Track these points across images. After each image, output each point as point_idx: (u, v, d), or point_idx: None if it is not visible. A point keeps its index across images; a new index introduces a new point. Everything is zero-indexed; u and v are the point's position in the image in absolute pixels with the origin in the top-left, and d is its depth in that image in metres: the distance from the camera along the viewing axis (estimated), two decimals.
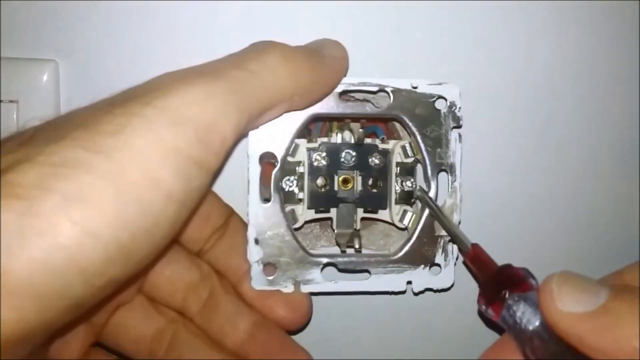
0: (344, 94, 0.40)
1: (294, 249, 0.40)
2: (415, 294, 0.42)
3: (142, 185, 0.28)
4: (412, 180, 0.42)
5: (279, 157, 0.40)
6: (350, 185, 0.42)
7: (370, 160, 0.42)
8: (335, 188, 0.42)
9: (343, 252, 0.43)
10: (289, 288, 0.40)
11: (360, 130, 0.41)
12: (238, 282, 0.41)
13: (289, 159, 0.41)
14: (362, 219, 0.43)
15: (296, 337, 0.42)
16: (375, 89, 0.40)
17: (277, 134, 0.39)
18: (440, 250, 0.41)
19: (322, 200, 0.42)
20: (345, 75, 0.39)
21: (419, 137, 0.41)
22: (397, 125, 0.43)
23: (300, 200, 0.42)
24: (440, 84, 0.41)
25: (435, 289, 0.42)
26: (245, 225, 0.41)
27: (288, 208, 0.41)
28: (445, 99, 0.41)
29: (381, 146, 0.42)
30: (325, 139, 0.42)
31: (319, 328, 0.45)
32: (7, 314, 0.25)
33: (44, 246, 0.26)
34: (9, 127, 0.41)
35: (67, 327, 0.36)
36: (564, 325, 0.27)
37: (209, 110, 0.31)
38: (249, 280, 0.40)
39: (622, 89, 0.47)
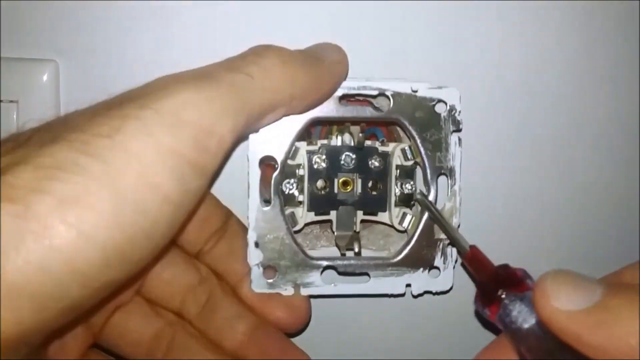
0: (343, 97, 0.40)
1: (294, 252, 0.40)
2: (415, 297, 0.42)
3: (138, 188, 0.28)
4: (412, 182, 0.42)
5: (279, 160, 0.39)
6: (350, 188, 0.42)
7: (370, 162, 0.42)
8: (335, 190, 0.42)
9: (343, 254, 0.42)
10: (288, 291, 0.40)
11: (361, 134, 0.41)
12: (237, 285, 0.41)
13: (289, 161, 0.40)
14: (362, 221, 0.43)
15: (295, 340, 0.42)
16: (375, 92, 0.40)
17: (277, 138, 0.39)
18: (439, 254, 0.41)
19: (322, 203, 0.42)
20: (345, 79, 0.39)
21: (418, 141, 0.41)
22: (397, 127, 0.43)
23: (300, 202, 0.42)
24: (440, 87, 0.41)
25: (434, 291, 0.42)
26: (244, 228, 0.41)
27: (288, 211, 0.41)
28: (445, 103, 0.41)
29: (381, 149, 0.42)
30: (325, 141, 0.42)
31: (318, 330, 0.45)
32: (4, 315, 0.25)
33: (40, 249, 0.25)
34: (9, 127, 0.41)
35: (65, 329, 0.36)
36: (559, 323, 0.27)
37: (206, 113, 0.30)
38: (248, 283, 0.40)
39: (622, 91, 0.47)
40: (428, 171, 0.41)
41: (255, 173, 0.39)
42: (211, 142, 0.31)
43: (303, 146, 0.41)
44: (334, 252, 0.44)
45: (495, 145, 0.46)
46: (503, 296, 0.31)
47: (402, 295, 0.41)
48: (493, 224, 0.47)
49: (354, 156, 0.42)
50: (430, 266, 0.41)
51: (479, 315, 0.43)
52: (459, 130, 0.41)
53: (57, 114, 0.41)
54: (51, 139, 0.28)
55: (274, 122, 0.37)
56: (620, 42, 0.46)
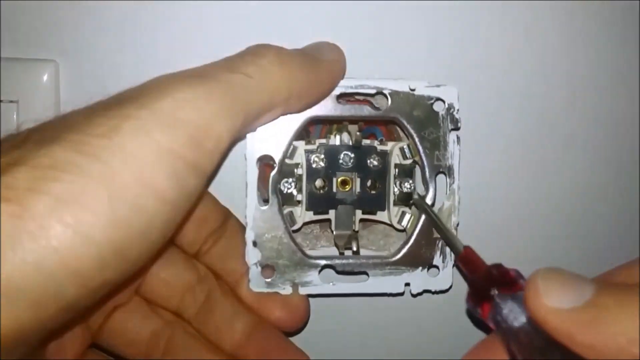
0: (341, 96, 0.40)
1: (292, 251, 0.40)
2: (414, 296, 0.41)
3: (135, 187, 0.28)
4: (411, 181, 0.42)
5: (277, 159, 0.39)
6: (348, 187, 0.42)
7: (368, 161, 0.42)
8: (334, 190, 0.42)
9: (341, 254, 0.42)
10: (287, 290, 0.40)
11: (358, 133, 0.41)
12: (236, 284, 0.41)
13: (287, 161, 0.40)
14: (361, 220, 0.43)
15: (294, 339, 0.42)
16: (373, 91, 0.40)
17: (275, 137, 0.39)
18: (438, 252, 0.41)
19: (320, 202, 0.42)
20: (342, 78, 0.39)
21: (417, 140, 0.40)
22: (396, 126, 0.42)
23: (299, 202, 0.42)
24: (438, 86, 0.40)
25: (433, 290, 0.41)
26: (242, 227, 0.41)
27: (286, 210, 0.41)
28: (444, 101, 0.40)
29: (380, 148, 0.42)
30: (323, 141, 0.42)
31: (317, 330, 0.45)
32: (2, 315, 0.25)
33: (37, 248, 0.25)
34: (9, 127, 0.41)
35: (63, 329, 0.36)
36: (549, 321, 0.27)
37: (203, 112, 0.30)
38: (246, 282, 0.40)
39: (622, 89, 0.46)
40: (427, 170, 0.41)
41: (253, 172, 0.39)
42: (208, 141, 0.30)
43: (301, 145, 0.41)
44: (334, 252, 0.44)
45: (494, 143, 0.46)
46: (495, 294, 0.31)
47: (401, 294, 0.41)
48: (491, 222, 0.46)
49: (352, 155, 0.42)
50: (429, 265, 0.41)
51: (470, 314, 0.43)
52: (457, 128, 0.41)
53: (57, 113, 0.41)
54: (48, 139, 0.28)
55: (271, 121, 0.37)
56: (620, 41, 0.46)
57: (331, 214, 0.42)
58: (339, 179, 0.42)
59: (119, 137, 0.28)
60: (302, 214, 0.42)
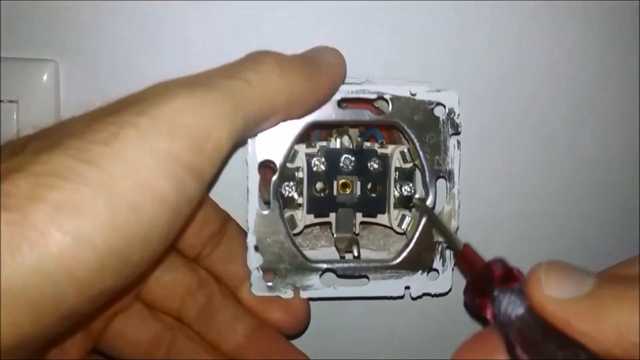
0: (342, 101, 0.39)
1: (294, 255, 0.40)
2: (413, 299, 0.41)
3: (135, 194, 0.27)
4: (411, 185, 0.42)
5: (278, 164, 0.39)
6: (349, 190, 0.42)
7: (369, 164, 0.42)
8: (335, 193, 0.42)
9: (342, 257, 0.42)
10: (288, 294, 0.40)
11: (359, 138, 0.40)
12: (236, 288, 0.40)
13: (288, 165, 0.40)
14: (361, 223, 0.43)
15: (295, 342, 0.42)
16: (374, 96, 0.40)
17: (276, 142, 0.39)
18: (438, 256, 0.41)
19: (321, 205, 0.42)
20: (343, 82, 0.39)
21: (417, 144, 0.40)
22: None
23: (300, 205, 0.41)
24: (439, 90, 0.40)
25: (433, 293, 0.41)
26: (241, 231, 0.41)
27: (287, 214, 0.40)
28: (444, 106, 0.40)
29: (380, 151, 0.42)
30: (324, 143, 0.42)
31: (318, 332, 0.45)
32: (2, 323, 0.25)
33: (37, 256, 0.25)
34: (9, 127, 0.41)
35: (64, 335, 0.36)
36: (550, 310, 0.27)
37: (204, 118, 0.30)
38: (248, 285, 0.40)
39: (622, 94, 0.46)
40: (427, 174, 0.40)
41: (255, 177, 0.39)
42: (208, 146, 0.30)
43: (302, 149, 0.41)
44: (334, 252, 0.43)
45: (494, 148, 0.45)
46: (495, 287, 0.31)
47: (401, 297, 0.41)
48: (491, 226, 0.46)
49: (353, 158, 0.41)
50: (429, 268, 0.41)
51: (467, 307, 0.43)
52: (457, 133, 0.40)
53: (57, 114, 0.41)
54: (47, 146, 0.28)
55: (272, 127, 0.37)
56: (622, 44, 0.45)
57: (332, 217, 0.42)
58: (340, 182, 0.42)
59: (119, 144, 0.28)
60: (302, 217, 0.41)
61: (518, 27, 0.44)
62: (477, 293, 0.32)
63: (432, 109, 0.40)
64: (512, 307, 0.29)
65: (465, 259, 0.36)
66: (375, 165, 0.42)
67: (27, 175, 0.26)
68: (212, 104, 0.31)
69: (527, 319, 0.28)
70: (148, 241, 0.28)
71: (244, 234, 0.40)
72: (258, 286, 0.40)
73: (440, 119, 0.40)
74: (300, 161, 0.41)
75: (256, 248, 0.39)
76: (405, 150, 0.41)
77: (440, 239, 0.41)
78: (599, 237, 0.48)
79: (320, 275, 0.40)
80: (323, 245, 0.45)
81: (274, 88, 0.34)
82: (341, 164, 0.41)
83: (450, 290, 0.41)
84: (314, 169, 0.41)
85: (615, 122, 0.46)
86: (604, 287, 0.27)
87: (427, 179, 0.41)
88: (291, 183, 0.41)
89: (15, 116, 0.41)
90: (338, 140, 0.42)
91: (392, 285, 0.41)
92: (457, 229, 0.41)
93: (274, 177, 0.39)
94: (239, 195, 0.40)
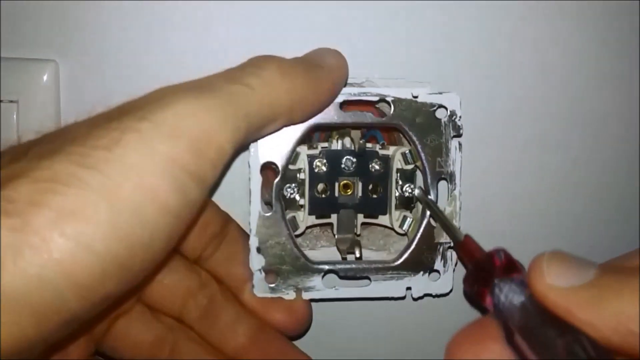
0: (344, 104, 0.39)
1: (295, 257, 0.40)
2: (415, 300, 0.41)
3: (137, 199, 0.27)
4: (412, 186, 0.42)
5: (280, 166, 0.39)
6: (350, 191, 0.42)
7: (370, 166, 0.42)
8: (336, 194, 0.42)
9: (344, 258, 0.42)
10: (290, 295, 0.40)
11: (361, 141, 0.40)
12: (238, 289, 0.40)
13: (290, 166, 0.40)
14: (363, 224, 0.43)
15: (297, 343, 0.42)
16: (375, 98, 0.39)
17: (278, 144, 0.38)
18: (439, 257, 0.41)
19: (322, 206, 0.42)
20: (345, 85, 0.38)
21: (419, 146, 0.40)
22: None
23: (301, 206, 0.41)
24: (440, 93, 0.40)
25: (434, 294, 0.41)
26: (242, 232, 0.41)
27: (289, 215, 0.40)
28: (446, 108, 0.40)
29: (381, 152, 0.42)
30: (325, 144, 0.41)
31: (320, 333, 0.45)
32: (5, 328, 0.25)
33: (39, 261, 0.25)
34: (9, 127, 0.40)
35: (67, 340, 0.36)
36: (552, 298, 0.27)
37: (205, 123, 0.30)
38: (250, 287, 0.40)
39: (623, 94, 0.46)
40: (428, 176, 0.40)
41: (257, 179, 0.39)
42: (210, 152, 0.30)
43: (304, 150, 0.41)
44: (334, 252, 0.43)
45: (496, 150, 0.45)
46: (496, 277, 0.31)
47: (403, 298, 0.41)
48: (493, 228, 0.46)
49: (354, 160, 0.41)
50: (430, 269, 0.41)
51: (466, 295, 0.43)
52: (459, 135, 0.40)
53: (57, 114, 0.41)
54: (49, 152, 0.27)
55: (274, 132, 0.36)
56: (623, 46, 0.45)
57: (333, 218, 0.42)
58: (341, 183, 0.42)
59: (120, 149, 0.27)
60: (304, 219, 0.41)
61: (522, 29, 0.44)
62: (478, 281, 0.32)
63: (434, 111, 0.40)
64: (512, 295, 0.29)
65: (467, 249, 0.36)
66: (377, 167, 0.42)
67: (28, 181, 0.26)
68: (214, 109, 0.30)
69: (527, 307, 0.28)
70: (150, 246, 0.28)
71: (245, 235, 0.40)
72: (260, 287, 0.40)
73: (442, 121, 0.40)
74: (302, 163, 0.41)
75: (258, 250, 0.39)
76: (407, 151, 0.41)
77: (442, 240, 0.41)
78: (599, 238, 0.48)
79: (322, 277, 0.40)
80: (323, 245, 0.45)
81: (276, 93, 0.33)
82: (343, 166, 0.41)
83: (451, 291, 0.41)
84: (316, 170, 0.41)
85: (619, 124, 0.46)
86: (605, 277, 0.27)
87: (429, 180, 0.40)
88: (293, 185, 0.41)
89: (15, 116, 0.41)
90: (339, 141, 0.42)
91: (393, 286, 0.41)
92: (460, 229, 0.41)
93: (277, 179, 0.39)
94: (239, 196, 0.40)
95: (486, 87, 0.44)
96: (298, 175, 0.41)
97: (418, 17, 0.43)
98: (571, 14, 0.45)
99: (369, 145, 0.42)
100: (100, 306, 0.28)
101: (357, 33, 0.43)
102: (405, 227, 0.42)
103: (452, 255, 0.41)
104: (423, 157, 0.40)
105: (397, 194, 0.42)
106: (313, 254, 0.42)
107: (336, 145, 0.42)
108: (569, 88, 0.46)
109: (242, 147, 0.36)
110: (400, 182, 0.42)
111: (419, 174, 0.42)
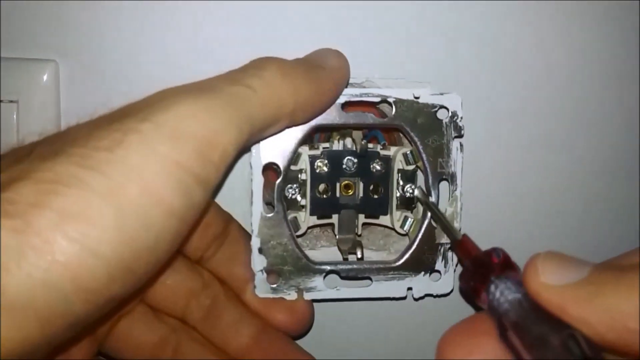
0: (346, 104, 0.39)
1: (297, 257, 0.40)
2: (416, 300, 0.41)
3: (139, 201, 0.27)
4: (413, 186, 0.42)
5: (282, 167, 0.39)
6: (351, 191, 0.42)
7: (371, 166, 0.42)
8: (337, 194, 0.42)
9: (345, 259, 0.42)
10: (292, 296, 0.40)
11: (363, 141, 0.40)
12: (240, 289, 0.40)
13: (292, 167, 0.40)
14: (364, 224, 0.43)
15: (299, 342, 0.42)
16: (377, 99, 0.39)
17: (279, 145, 0.38)
18: (440, 257, 0.41)
19: (324, 207, 0.42)
20: (346, 85, 0.38)
21: (420, 147, 0.40)
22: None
23: (303, 207, 0.41)
24: (442, 93, 0.40)
25: (435, 294, 0.41)
26: (244, 232, 0.40)
27: (290, 215, 0.40)
28: (447, 109, 0.40)
29: (383, 153, 0.42)
30: (327, 145, 0.41)
31: (322, 333, 0.45)
32: (8, 331, 0.24)
33: (42, 263, 0.25)
34: (9, 127, 0.40)
35: (70, 342, 0.35)
36: (546, 296, 0.27)
37: (207, 125, 0.30)
38: (252, 287, 0.40)
39: (624, 95, 0.46)
40: (429, 176, 0.40)
41: (259, 180, 0.39)
42: (213, 153, 0.30)
43: (305, 151, 0.40)
44: (334, 252, 0.43)
45: (497, 151, 0.45)
46: (492, 275, 0.31)
47: (404, 298, 0.41)
48: (494, 229, 0.46)
49: (355, 160, 0.41)
50: (432, 270, 0.41)
51: (462, 292, 0.43)
52: (460, 136, 0.40)
53: (57, 114, 0.41)
54: (51, 153, 0.27)
55: (276, 133, 0.36)
56: (627, 46, 0.45)
57: (334, 219, 0.42)
58: (342, 184, 0.41)
59: (122, 151, 0.27)
60: (305, 219, 0.41)
61: (524, 30, 0.44)
62: (474, 278, 0.32)
63: (436, 112, 0.40)
64: (508, 292, 0.29)
65: (464, 247, 0.36)
66: (378, 167, 0.42)
67: (30, 183, 0.26)
68: (215, 110, 0.30)
69: (522, 304, 0.28)
70: (155, 249, 0.28)
71: (247, 235, 0.40)
72: (262, 288, 0.40)
73: (444, 121, 0.40)
74: (304, 163, 0.41)
75: (260, 250, 0.39)
76: (408, 152, 0.41)
77: (442, 240, 0.41)
78: (601, 239, 0.48)
79: (324, 277, 0.40)
80: (323, 245, 0.45)
81: (278, 94, 0.33)
82: (344, 166, 0.41)
83: (452, 291, 0.41)
84: (317, 170, 0.41)
85: (620, 125, 0.46)
86: (601, 274, 0.27)
87: (430, 181, 0.40)
88: (294, 185, 0.41)
89: (15, 116, 0.40)
90: (341, 142, 0.41)
91: (394, 287, 0.41)
92: (460, 230, 0.41)
93: (278, 180, 0.39)
94: (241, 196, 0.40)
95: (487, 88, 0.44)
96: (299, 175, 0.41)
97: (419, 17, 0.43)
98: (574, 13, 0.45)
99: (370, 145, 0.42)
100: (104, 309, 0.28)
101: (357, 33, 0.43)
102: (406, 227, 0.42)
103: (453, 255, 0.41)
104: (424, 158, 0.40)
105: (398, 194, 0.42)
106: (313, 254, 0.42)
107: (337, 145, 0.41)
108: (571, 89, 0.45)
109: (245, 148, 0.35)
110: (401, 183, 0.42)
111: (420, 175, 0.42)
